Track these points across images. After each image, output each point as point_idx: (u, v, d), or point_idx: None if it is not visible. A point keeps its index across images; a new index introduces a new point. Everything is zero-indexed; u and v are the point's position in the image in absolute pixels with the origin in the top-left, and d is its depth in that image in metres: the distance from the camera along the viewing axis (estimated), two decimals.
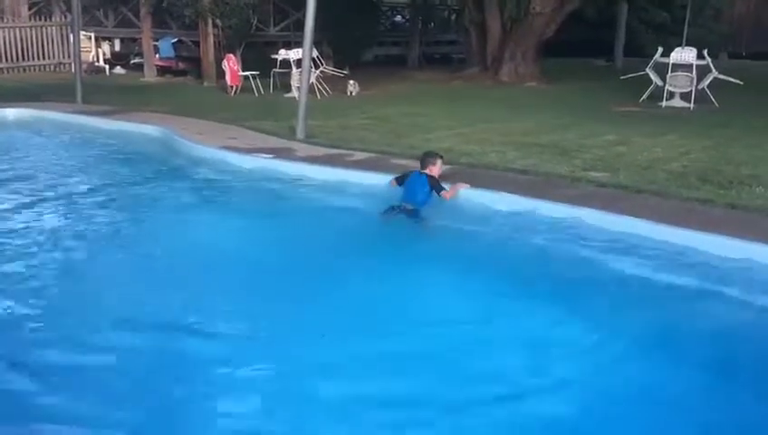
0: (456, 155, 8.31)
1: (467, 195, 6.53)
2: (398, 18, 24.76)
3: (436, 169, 6.38)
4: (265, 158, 8.25)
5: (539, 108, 13.18)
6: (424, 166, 6.34)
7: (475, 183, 6.90)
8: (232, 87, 15.60)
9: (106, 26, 20.40)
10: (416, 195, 6.24)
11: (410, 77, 18.88)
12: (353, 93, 15.50)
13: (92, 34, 19.41)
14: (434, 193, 6.28)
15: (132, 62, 19.72)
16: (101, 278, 4.94)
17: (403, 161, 7.80)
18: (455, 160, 7.79)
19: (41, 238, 5.58)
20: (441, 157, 6.45)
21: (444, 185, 6.28)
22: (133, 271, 5.04)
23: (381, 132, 10.14)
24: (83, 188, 7.29)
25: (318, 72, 15.20)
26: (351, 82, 15.75)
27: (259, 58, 16.76)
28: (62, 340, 3.87)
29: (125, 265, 5.16)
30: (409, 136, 9.42)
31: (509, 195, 6.49)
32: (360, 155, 8.46)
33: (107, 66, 19.42)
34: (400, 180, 6.52)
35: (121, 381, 3.54)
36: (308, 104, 9.68)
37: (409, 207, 6.10)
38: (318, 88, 14.91)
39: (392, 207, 6.02)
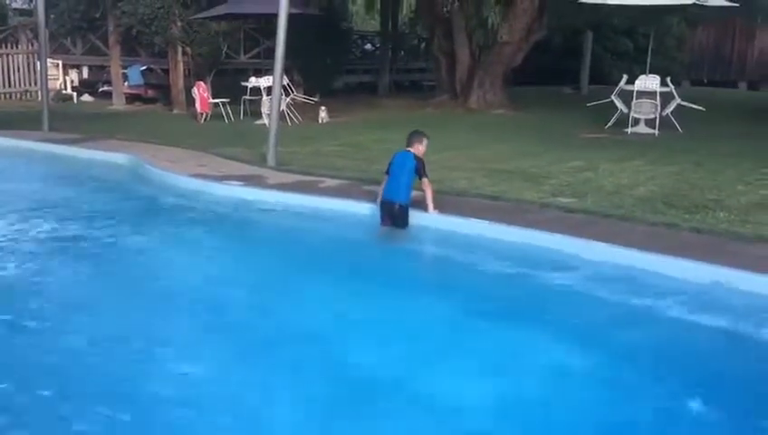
0: (438, 181, 7.99)
1: (438, 221, 6.58)
2: (368, 46, 25.05)
3: (422, 149, 6.37)
4: (236, 185, 8.23)
5: (507, 135, 13.30)
6: (410, 144, 6.36)
7: (445, 209, 6.86)
8: (202, 114, 15.56)
9: (74, 54, 20.25)
10: (400, 181, 6.21)
11: (381, 104, 18.96)
12: (324, 120, 15.51)
13: (60, 62, 19.24)
14: (413, 181, 6.27)
15: (101, 89, 19.58)
16: (58, 305, 4.80)
17: (375, 187, 7.51)
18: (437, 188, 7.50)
19: None
20: (427, 137, 6.41)
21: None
22: (91, 298, 4.94)
23: (353, 159, 10.15)
24: (48, 217, 7.13)
25: (288, 99, 15.19)
26: (322, 108, 15.77)
27: (229, 85, 16.76)
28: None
29: (84, 292, 5.06)
30: (381, 162, 8.25)
31: (479, 221, 6.48)
32: (332, 182, 8.43)
33: (74, 94, 19.25)
34: (388, 168, 6.55)
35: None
36: (279, 131, 9.66)
37: (396, 207, 6.18)
38: (288, 115, 14.90)
39: (383, 211, 6.15)
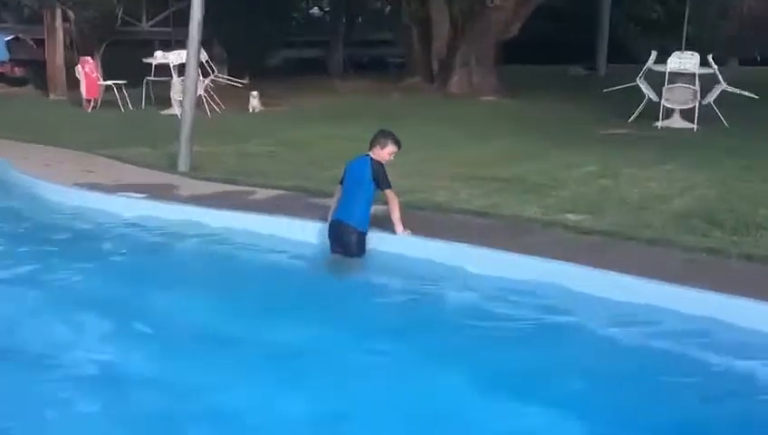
0: (401, 191, 7.89)
1: (408, 245, 6.56)
2: (315, 10, 24.97)
3: (384, 154, 6.48)
4: (135, 198, 8.25)
5: (500, 130, 13.44)
6: (371, 146, 6.50)
7: (419, 229, 6.87)
8: (89, 101, 15.45)
9: None
10: (354, 197, 6.33)
11: (332, 88, 19.22)
12: (255, 110, 15.77)
13: None
14: (373, 195, 6.41)
15: None
16: None
17: (323, 200, 7.69)
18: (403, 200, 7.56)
19: None
20: (397, 142, 6.51)
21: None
22: None
23: (294, 162, 10.30)
24: None
25: (208, 81, 15.25)
26: (254, 94, 15.96)
27: (127, 62, 16.62)
28: None
29: None
30: (332, 167, 9.05)
31: (462, 245, 6.48)
32: (263, 193, 8.59)
33: None
34: (342, 177, 6.73)
35: None
36: (194, 124, 9.80)
37: (346, 230, 6.29)
38: (208, 102, 15.01)
39: (331, 234, 6.30)
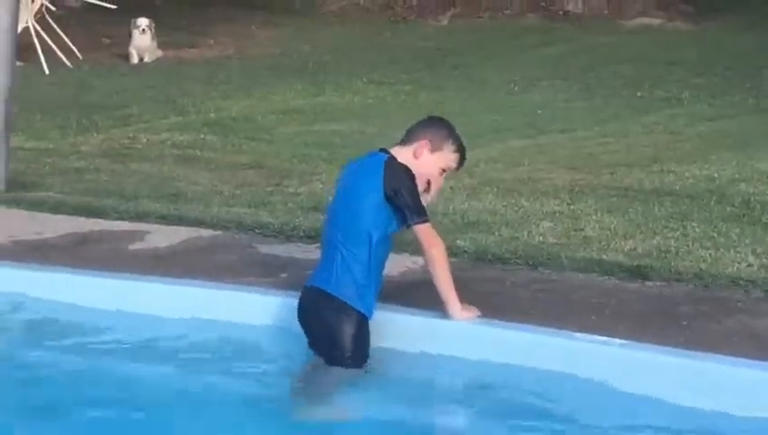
0: (459, 224, 6.30)
1: (465, 344, 4.67)
2: None
3: (427, 163, 4.74)
4: None
5: (673, 87, 10.71)
6: (403, 141, 4.80)
7: (495, 306, 4.71)
8: None
9: None
10: (345, 235, 4.68)
11: (304, 6, 15.19)
12: (146, 57, 11.72)
13: None
14: (390, 230, 4.65)
15: None
16: None
17: (298, 248, 5.69)
18: (456, 244, 5.67)
19: None
20: (460, 148, 4.72)
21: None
22: None
23: (228, 166, 8.06)
24: None
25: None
26: (140, 23, 11.74)
27: None
28: None
29: None
30: (312, 173, 7.51)
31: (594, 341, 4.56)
32: (164, 233, 6.20)
33: None
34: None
35: None
36: (15, 93, 7.30)
37: (330, 305, 4.56)
38: (43, 42, 11.15)
39: (301, 316, 4.66)
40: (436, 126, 4.71)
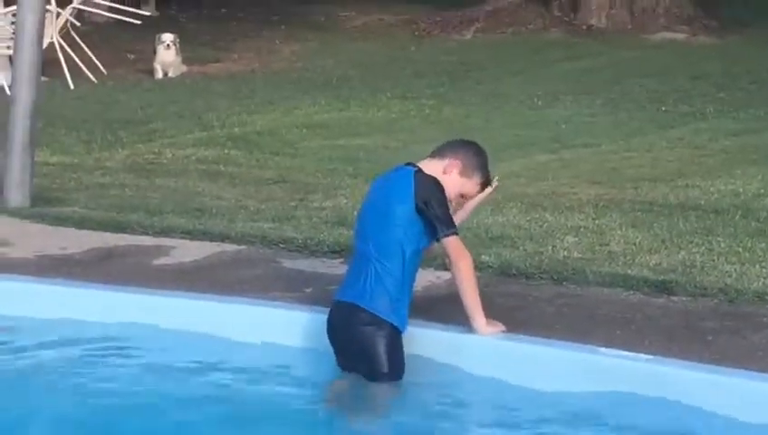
0: (483, 239, 6.29)
1: (490, 360, 4.70)
2: None
3: (453, 181, 4.78)
4: None
5: (698, 101, 10.75)
6: (432, 156, 4.87)
7: (516, 320, 4.74)
8: None
9: None
10: (376, 250, 4.65)
11: (328, 22, 15.37)
12: (170, 72, 12.05)
13: None
14: (421, 244, 4.67)
15: None
16: None
17: (324, 263, 5.71)
18: (480, 259, 5.63)
19: None
20: (486, 171, 4.82)
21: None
22: None
23: (254, 181, 8.06)
24: None
25: (67, 13, 11.50)
26: (165, 39, 12.06)
27: None
28: None
29: None
30: (338, 188, 7.51)
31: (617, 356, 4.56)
32: (189, 249, 6.20)
33: None
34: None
35: None
36: (39, 109, 7.33)
37: (361, 320, 4.55)
38: (69, 59, 11.39)
39: (330, 333, 4.69)
40: (472, 152, 4.72)
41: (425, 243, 4.43)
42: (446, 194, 4.57)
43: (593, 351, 4.46)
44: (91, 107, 10.88)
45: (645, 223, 6.81)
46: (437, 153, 4.68)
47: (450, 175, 4.56)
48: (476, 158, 4.71)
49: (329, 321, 4.60)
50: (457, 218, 4.74)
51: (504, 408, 4.44)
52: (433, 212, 4.38)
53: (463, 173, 4.60)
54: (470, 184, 4.67)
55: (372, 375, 4.42)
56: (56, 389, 4.77)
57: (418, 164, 4.58)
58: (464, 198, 4.71)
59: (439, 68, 12.70)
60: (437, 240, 4.41)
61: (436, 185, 4.46)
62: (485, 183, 4.76)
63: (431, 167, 4.55)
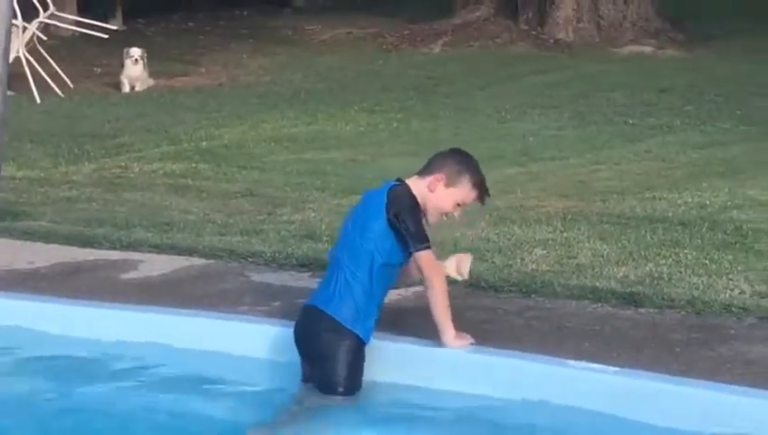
0: (451, 252, 5.98)
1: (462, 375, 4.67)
2: None
3: (442, 197, 4.74)
4: None
5: (665, 114, 10.78)
6: (422, 172, 4.78)
7: (491, 334, 4.74)
8: None
9: None
10: (348, 259, 4.67)
11: (296, 36, 15.45)
12: (137, 86, 12.12)
13: None
14: (394, 258, 4.63)
15: None
16: None
17: (291, 276, 5.68)
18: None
19: None
20: (482, 186, 4.74)
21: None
22: None
23: (222, 195, 8.06)
24: None
25: (34, 27, 11.51)
26: (132, 53, 12.07)
27: None
28: None
29: None
30: (306, 201, 7.53)
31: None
32: (156, 262, 6.21)
33: None
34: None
35: None
36: (6, 122, 7.31)
37: (325, 325, 4.52)
38: (36, 73, 11.50)
39: (298, 339, 4.67)
40: (452, 160, 4.67)
41: (399, 258, 4.40)
42: (439, 209, 4.57)
43: (562, 363, 4.44)
44: (58, 121, 10.85)
45: (612, 235, 6.80)
46: (424, 170, 4.64)
47: (436, 191, 4.53)
48: (459, 165, 4.64)
49: (296, 325, 4.56)
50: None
51: (471, 420, 4.39)
52: (404, 226, 4.36)
53: (449, 184, 4.55)
54: (461, 192, 4.60)
55: (326, 384, 4.35)
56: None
57: (408, 181, 4.56)
58: (462, 206, 4.64)
59: (407, 82, 12.66)
60: (410, 254, 4.37)
61: (408, 199, 4.43)
62: (479, 184, 4.68)
63: (418, 186, 4.53)
